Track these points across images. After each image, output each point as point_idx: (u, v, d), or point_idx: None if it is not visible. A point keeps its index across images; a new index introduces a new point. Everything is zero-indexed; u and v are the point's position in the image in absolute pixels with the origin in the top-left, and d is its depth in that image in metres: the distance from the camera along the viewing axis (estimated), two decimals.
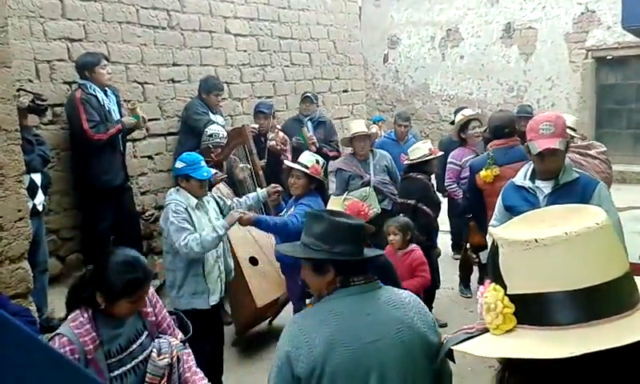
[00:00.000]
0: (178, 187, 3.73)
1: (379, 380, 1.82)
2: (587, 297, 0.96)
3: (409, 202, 4.75)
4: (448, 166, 5.38)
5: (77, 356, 2.08)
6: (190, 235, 3.53)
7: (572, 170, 3.11)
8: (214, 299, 3.72)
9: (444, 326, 4.69)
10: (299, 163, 4.15)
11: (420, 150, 4.90)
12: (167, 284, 3.81)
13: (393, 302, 1.93)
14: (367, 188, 5.05)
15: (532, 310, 1.00)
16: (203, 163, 3.76)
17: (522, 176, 3.21)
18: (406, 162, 4.97)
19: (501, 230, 1.08)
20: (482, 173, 4.10)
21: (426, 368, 1.88)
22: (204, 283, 3.70)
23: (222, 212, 3.92)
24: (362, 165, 5.18)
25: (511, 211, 3.06)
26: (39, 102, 4.13)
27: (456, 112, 6.90)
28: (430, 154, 4.85)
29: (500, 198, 3.31)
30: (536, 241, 0.99)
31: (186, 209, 3.61)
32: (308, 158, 4.21)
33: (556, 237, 0.98)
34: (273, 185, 4.36)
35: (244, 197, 4.28)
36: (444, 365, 1.98)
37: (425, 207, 4.67)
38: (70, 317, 2.18)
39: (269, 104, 6.24)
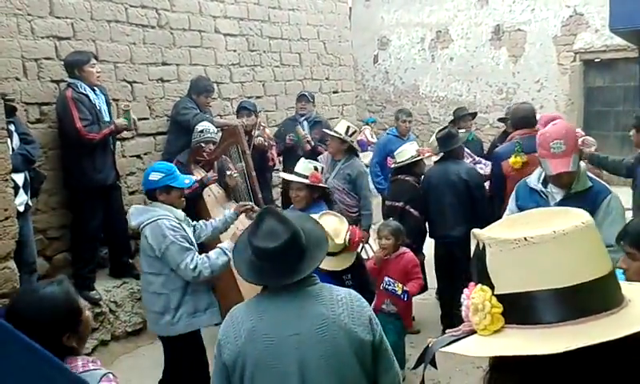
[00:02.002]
0: (154, 203, 3.41)
1: (300, 371, 1.87)
2: (575, 294, 0.97)
3: (396, 204, 4.76)
4: None
5: None
6: (197, 258, 3.29)
7: (586, 178, 3.05)
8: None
9: (417, 333, 4.72)
10: (296, 173, 3.97)
11: (407, 152, 4.91)
12: (157, 310, 3.41)
13: (322, 298, 1.96)
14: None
15: (520, 309, 1.00)
16: (178, 172, 3.51)
17: (535, 178, 3.21)
18: (393, 165, 4.98)
19: (487, 231, 1.09)
20: (512, 159, 4.30)
21: (353, 364, 1.91)
22: (208, 297, 3.48)
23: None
24: (332, 165, 5.12)
25: (522, 211, 3.08)
26: (6, 102, 4.03)
27: (454, 113, 6.80)
28: (418, 156, 4.86)
29: (513, 196, 3.37)
30: (525, 239, 1.00)
31: (180, 224, 3.36)
32: (305, 165, 4.03)
33: (545, 235, 0.99)
34: (241, 203, 4.15)
35: (210, 219, 3.93)
36: (384, 362, 2.01)
37: (412, 210, 4.69)
38: (78, 364, 1.84)
39: (252, 102, 6.24)
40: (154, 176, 3.40)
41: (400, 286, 3.98)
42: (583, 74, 10.67)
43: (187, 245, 3.31)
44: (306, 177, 3.94)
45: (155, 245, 3.27)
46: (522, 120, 4.56)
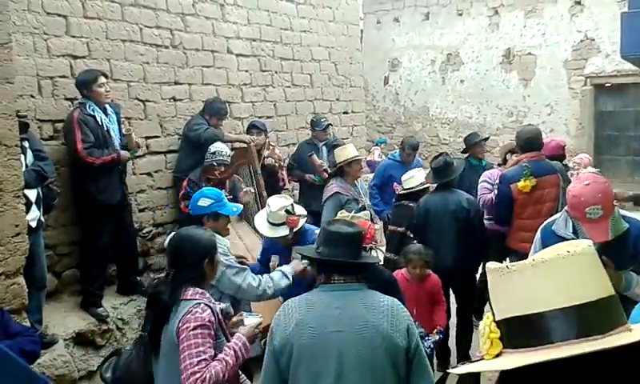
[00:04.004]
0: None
1: (337, 365, 2.07)
2: (561, 318, 1.00)
3: (398, 229, 4.75)
4: (482, 184, 5.22)
5: (213, 317, 2.45)
6: (257, 276, 3.27)
7: (621, 221, 2.76)
8: None
9: None
10: (272, 224, 3.79)
11: (416, 179, 4.90)
12: None
13: (366, 302, 2.18)
14: (367, 211, 5.02)
15: (511, 334, 1.06)
16: (226, 199, 3.50)
17: (562, 224, 2.93)
18: (401, 192, 4.96)
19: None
20: (521, 183, 4.29)
21: (387, 367, 2.10)
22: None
23: None
24: (354, 189, 5.14)
25: None
26: (19, 118, 4.05)
27: (466, 138, 6.65)
28: (426, 183, 4.86)
29: (539, 242, 3.08)
30: (507, 268, 1.06)
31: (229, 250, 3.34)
32: (277, 215, 3.77)
33: (525, 263, 1.05)
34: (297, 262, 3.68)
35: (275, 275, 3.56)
36: (419, 369, 2.15)
37: (413, 236, 4.67)
38: (189, 293, 2.49)
39: (262, 121, 6.31)
40: (204, 202, 3.38)
41: (434, 333, 3.96)
42: (594, 99, 10.67)
43: (241, 266, 3.30)
44: (282, 224, 3.78)
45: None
46: (528, 142, 4.53)
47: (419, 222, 4.60)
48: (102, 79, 4.79)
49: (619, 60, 8.81)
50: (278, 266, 3.88)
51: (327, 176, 5.95)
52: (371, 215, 5.03)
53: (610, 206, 2.73)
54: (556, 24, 10.80)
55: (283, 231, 3.80)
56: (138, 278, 5.32)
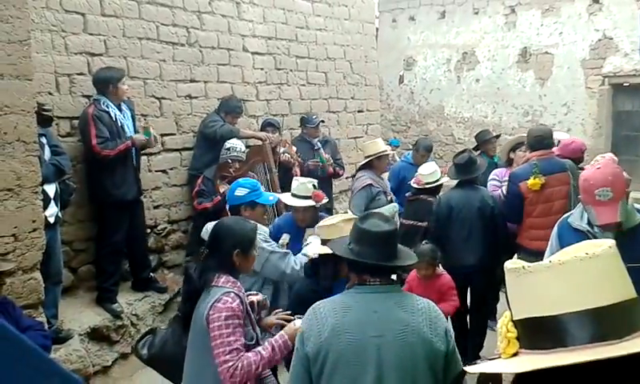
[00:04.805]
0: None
1: (377, 372, 1.98)
2: (576, 321, 0.99)
3: (419, 224, 4.71)
4: (491, 183, 5.22)
5: (242, 307, 2.49)
6: (296, 258, 3.32)
7: (636, 213, 2.79)
8: None
9: None
10: (297, 196, 3.86)
11: (438, 173, 4.87)
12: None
13: (404, 305, 2.08)
14: (395, 204, 5.03)
15: (528, 334, 1.05)
16: (262, 188, 3.55)
17: (577, 217, 2.95)
18: (421, 186, 4.90)
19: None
20: (530, 181, 4.24)
21: (426, 371, 2.01)
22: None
23: None
24: (382, 182, 5.28)
25: None
26: (43, 112, 4.11)
27: (477, 135, 6.62)
28: (446, 178, 4.86)
29: (555, 236, 3.09)
30: (523, 268, 1.04)
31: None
32: (305, 187, 3.88)
33: (540, 265, 1.03)
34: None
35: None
36: (453, 369, 2.07)
37: (432, 231, 4.63)
38: (221, 280, 2.54)
39: (276, 119, 6.38)
40: (240, 191, 3.45)
41: None
42: (611, 98, 10.53)
43: (284, 250, 3.36)
44: (309, 197, 3.86)
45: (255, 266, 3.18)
46: (537, 140, 4.49)
47: (441, 218, 4.53)
48: (125, 78, 4.86)
49: (638, 59, 8.72)
50: (287, 245, 3.93)
51: (332, 171, 6.05)
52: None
53: (621, 190, 2.75)
54: (573, 23, 10.67)
55: (308, 203, 3.87)
56: (153, 275, 5.36)
